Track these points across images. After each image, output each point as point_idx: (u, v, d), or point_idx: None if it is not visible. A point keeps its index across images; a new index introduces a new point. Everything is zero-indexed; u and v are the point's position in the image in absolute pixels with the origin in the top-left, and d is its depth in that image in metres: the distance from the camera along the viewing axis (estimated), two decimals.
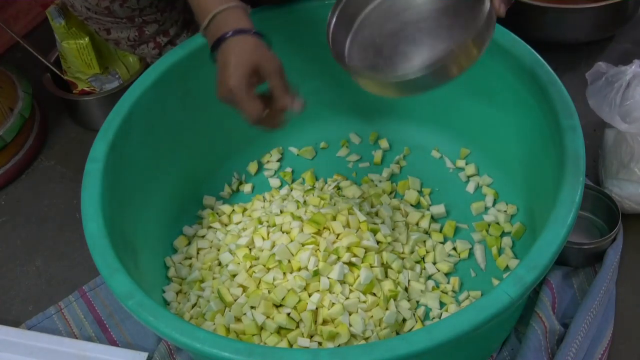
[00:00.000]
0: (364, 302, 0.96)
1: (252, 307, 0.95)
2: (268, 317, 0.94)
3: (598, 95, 1.08)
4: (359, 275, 0.97)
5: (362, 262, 0.99)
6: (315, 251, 0.99)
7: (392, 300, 0.98)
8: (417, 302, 1.01)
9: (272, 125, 0.90)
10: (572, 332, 0.96)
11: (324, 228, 1.02)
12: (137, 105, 1.01)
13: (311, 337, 0.93)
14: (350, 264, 0.98)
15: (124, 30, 1.10)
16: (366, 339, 0.94)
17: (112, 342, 1.07)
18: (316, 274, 0.96)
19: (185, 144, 1.12)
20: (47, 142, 1.41)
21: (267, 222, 1.06)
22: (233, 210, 1.15)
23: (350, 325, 0.93)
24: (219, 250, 1.09)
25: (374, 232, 1.03)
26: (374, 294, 0.98)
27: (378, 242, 1.02)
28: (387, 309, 0.97)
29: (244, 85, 0.85)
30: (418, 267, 1.05)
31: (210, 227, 1.13)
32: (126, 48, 1.14)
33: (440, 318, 1.00)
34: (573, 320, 0.98)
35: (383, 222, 1.06)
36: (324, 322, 0.95)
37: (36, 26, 1.61)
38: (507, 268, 1.05)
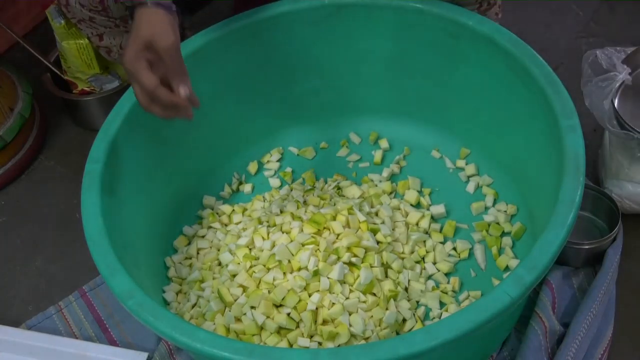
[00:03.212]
0: (364, 302, 0.96)
1: (252, 307, 0.95)
2: (268, 317, 0.94)
3: (593, 96, 1.08)
4: (359, 276, 0.97)
5: (362, 262, 0.99)
6: (315, 251, 0.99)
7: (392, 300, 0.98)
8: (417, 302, 1.01)
9: (170, 110, 0.88)
10: (572, 332, 0.96)
11: (324, 228, 1.02)
12: (137, 106, 1.01)
13: (311, 337, 0.93)
14: (350, 264, 0.98)
15: (117, 37, 1.09)
16: (366, 339, 0.94)
17: (112, 342, 1.07)
18: (316, 274, 0.96)
19: (186, 144, 1.12)
20: (47, 142, 1.41)
21: (267, 222, 1.06)
22: (233, 210, 1.15)
23: (350, 325, 0.93)
24: (219, 250, 1.09)
25: (374, 232, 1.03)
26: (374, 294, 0.98)
27: (378, 242, 1.02)
28: (387, 309, 0.97)
29: (134, 58, 0.84)
30: (418, 267, 1.05)
31: (210, 227, 1.13)
32: (117, 57, 1.14)
33: (440, 318, 1.00)
34: (573, 320, 0.98)
35: (383, 222, 1.06)
36: (324, 322, 0.95)
37: (36, 26, 1.61)
38: (507, 268, 1.04)
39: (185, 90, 0.86)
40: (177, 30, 0.87)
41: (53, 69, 1.38)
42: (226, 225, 1.14)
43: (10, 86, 1.35)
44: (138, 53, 0.85)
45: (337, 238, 1.01)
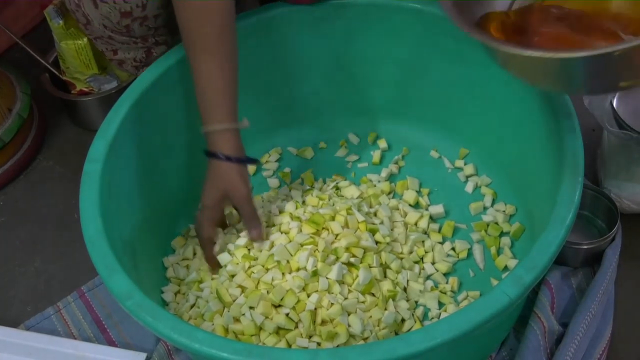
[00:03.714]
0: (363, 302, 0.96)
1: (250, 308, 0.95)
2: (267, 317, 0.94)
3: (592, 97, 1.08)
4: (357, 276, 0.97)
5: (361, 263, 0.99)
6: (314, 251, 0.99)
7: (391, 300, 0.98)
8: (416, 302, 1.01)
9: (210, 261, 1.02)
10: (571, 332, 0.96)
11: (323, 228, 1.01)
12: (135, 106, 1.01)
13: (310, 337, 0.93)
14: (349, 264, 0.98)
15: (132, 51, 1.10)
16: (365, 339, 0.94)
17: (111, 343, 1.07)
18: (315, 274, 0.96)
19: (184, 144, 1.12)
20: (45, 143, 1.40)
21: (266, 222, 1.06)
22: (230, 211, 1.15)
23: (349, 326, 0.93)
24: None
25: (373, 232, 1.02)
26: (373, 294, 0.97)
27: (377, 242, 1.02)
28: (385, 309, 0.97)
29: (214, 207, 0.99)
30: (417, 267, 1.05)
31: None
32: (130, 69, 1.14)
33: (439, 318, 1.00)
34: (572, 320, 0.98)
35: (382, 223, 1.06)
36: (323, 323, 0.94)
37: (35, 26, 1.61)
38: (506, 268, 1.04)
39: (254, 235, 1.00)
40: (248, 181, 0.99)
41: (51, 69, 1.38)
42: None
43: (9, 86, 1.35)
44: (215, 204, 0.99)
45: (335, 238, 1.01)
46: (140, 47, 1.10)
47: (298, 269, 0.97)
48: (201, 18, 0.93)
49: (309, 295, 0.96)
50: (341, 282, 0.97)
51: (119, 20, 1.03)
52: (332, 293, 0.96)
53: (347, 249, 0.99)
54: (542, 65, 0.77)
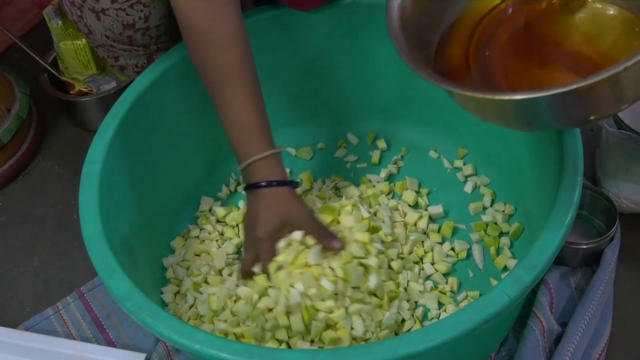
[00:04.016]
0: (368, 303, 0.95)
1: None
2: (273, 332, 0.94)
3: None
4: (367, 280, 0.95)
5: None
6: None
7: (393, 301, 0.97)
8: (416, 302, 1.01)
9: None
10: (570, 332, 0.96)
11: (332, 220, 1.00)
12: (134, 106, 1.01)
13: (312, 341, 0.93)
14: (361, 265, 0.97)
15: (134, 58, 1.10)
16: (366, 340, 0.94)
17: (110, 343, 1.07)
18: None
19: (183, 145, 1.12)
20: (44, 143, 1.40)
21: None
22: (227, 213, 1.15)
23: (352, 329, 0.93)
24: (209, 254, 1.09)
25: (376, 230, 1.02)
26: (376, 295, 0.97)
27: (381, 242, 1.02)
28: (388, 310, 0.97)
29: (272, 238, 0.92)
30: (417, 268, 1.05)
31: (202, 230, 1.13)
32: (131, 74, 1.14)
33: (438, 318, 1.00)
34: (571, 320, 0.98)
35: (383, 222, 1.06)
36: (327, 327, 0.94)
37: (33, 27, 1.61)
38: (505, 268, 1.05)
39: (337, 246, 0.93)
40: (303, 200, 0.95)
41: (50, 69, 1.38)
42: (222, 234, 1.13)
43: (8, 87, 1.35)
44: (275, 232, 0.92)
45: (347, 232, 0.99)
46: (142, 54, 1.10)
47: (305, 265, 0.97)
48: (220, 50, 0.92)
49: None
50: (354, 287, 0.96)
51: (121, 31, 1.03)
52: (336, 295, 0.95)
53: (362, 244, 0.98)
54: (493, 105, 0.74)
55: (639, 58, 0.62)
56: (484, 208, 1.12)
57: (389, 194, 1.16)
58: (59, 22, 1.28)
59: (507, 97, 0.69)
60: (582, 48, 0.81)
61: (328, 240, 0.93)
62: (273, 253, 0.93)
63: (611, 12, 0.81)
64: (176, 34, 1.09)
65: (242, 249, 1.09)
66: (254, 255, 0.94)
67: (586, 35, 0.82)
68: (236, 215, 1.13)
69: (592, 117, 0.73)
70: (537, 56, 0.83)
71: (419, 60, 0.80)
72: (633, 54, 0.62)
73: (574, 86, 0.64)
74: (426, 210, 1.12)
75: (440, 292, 1.03)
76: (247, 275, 0.96)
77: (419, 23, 0.84)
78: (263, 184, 0.91)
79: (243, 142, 0.93)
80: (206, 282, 1.06)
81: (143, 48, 1.08)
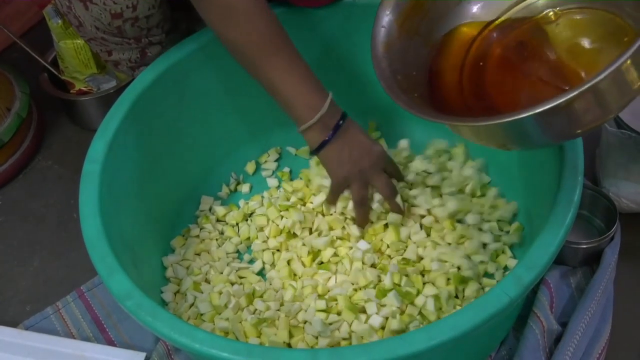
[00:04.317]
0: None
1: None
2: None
3: None
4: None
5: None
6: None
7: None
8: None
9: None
10: (570, 331, 0.96)
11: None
12: (135, 106, 1.01)
13: (312, 347, 0.93)
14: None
15: (126, 52, 1.10)
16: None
17: (110, 343, 1.07)
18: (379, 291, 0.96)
19: (183, 144, 1.12)
20: (44, 142, 1.40)
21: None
22: (227, 212, 1.15)
23: (362, 338, 0.93)
24: (209, 252, 1.09)
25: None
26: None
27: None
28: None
29: (357, 176, 0.99)
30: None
31: (202, 228, 1.13)
32: (125, 70, 1.14)
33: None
34: (571, 319, 0.98)
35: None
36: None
37: (33, 26, 1.61)
38: (505, 268, 1.04)
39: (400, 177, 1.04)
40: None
41: (50, 68, 1.38)
42: (222, 233, 1.13)
43: (8, 86, 1.35)
44: (361, 169, 0.98)
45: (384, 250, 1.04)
46: (134, 48, 1.09)
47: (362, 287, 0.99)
48: (249, 27, 0.93)
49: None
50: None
51: (110, 21, 1.02)
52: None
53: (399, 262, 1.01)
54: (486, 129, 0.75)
55: (606, 73, 0.63)
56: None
57: None
58: (59, 21, 1.28)
59: (480, 124, 0.72)
60: (572, 62, 0.82)
61: (398, 174, 1.04)
62: (366, 186, 0.99)
63: (600, 20, 0.82)
64: (168, 28, 1.09)
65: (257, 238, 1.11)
66: (367, 186, 1.00)
67: (576, 49, 0.82)
68: (236, 214, 1.13)
69: (578, 131, 0.74)
70: (529, 74, 0.84)
71: (399, 86, 0.83)
72: (597, 72, 0.63)
73: (536, 110, 0.65)
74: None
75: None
76: (366, 206, 1.02)
77: (405, 47, 0.87)
78: (340, 122, 0.97)
79: (304, 104, 0.96)
80: (206, 281, 1.06)
81: (134, 41, 1.07)
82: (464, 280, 0.98)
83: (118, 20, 1.03)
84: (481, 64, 0.87)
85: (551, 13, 0.84)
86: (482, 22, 0.89)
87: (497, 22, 0.88)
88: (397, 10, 0.88)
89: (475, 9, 0.89)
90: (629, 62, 0.63)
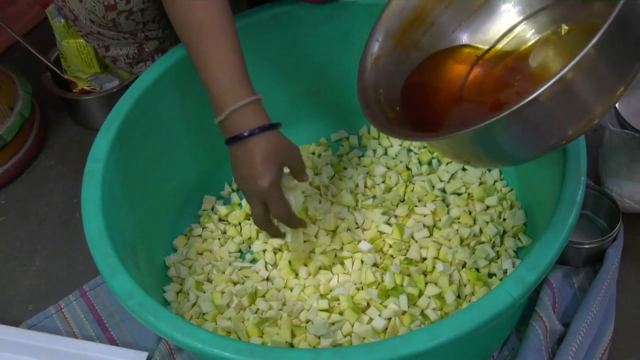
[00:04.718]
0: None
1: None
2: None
3: None
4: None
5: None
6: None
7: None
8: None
9: (288, 226, 0.97)
10: (573, 331, 0.96)
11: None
12: (137, 105, 1.01)
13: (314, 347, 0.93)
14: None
15: (124, 47, 1.10)
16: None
17: (112, 342, 1.07)
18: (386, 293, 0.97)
19: (186, 143, 1.12)
20: (47, 142, 1.40)
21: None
22: (232, 210, 1.15)
23: (364, 338, 0.93)
24: (211, 252, 1.09)
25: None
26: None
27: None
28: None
29: (278, 186, 0.90)
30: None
31: (204, 228, 1.13)
32: (123, 66, 1.14)
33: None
34: (573, 319, 0.98)
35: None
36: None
37: (36, 25, 1.61)
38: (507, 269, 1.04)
39: (305, 177, 0.96)
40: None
41: (53, 68, 1.38)
42: (224, 232, 1.13)
43: (10, 85, 1.35)
44: (278, 180, 0.90)
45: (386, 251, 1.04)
46: (131, 43, 1.09)
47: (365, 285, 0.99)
48: (196, 6, 0.90)
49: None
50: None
51: (104, 14, 1.02)
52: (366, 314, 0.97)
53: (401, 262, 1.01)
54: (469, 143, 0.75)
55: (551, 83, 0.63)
56: (488, 207, 1.12)
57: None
58: (62, 21, 1.28)
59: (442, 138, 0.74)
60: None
61: (302, 173, 0.95)
62: (284, 198, 0.92)
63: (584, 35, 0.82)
64: (165, 23, 1.09)
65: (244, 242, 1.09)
66: (263, 205, 0.92)
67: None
68: (238, 213, 1.13)
69: (553, 142, 0.72)
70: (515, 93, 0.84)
71: (376, 99, 0.85)
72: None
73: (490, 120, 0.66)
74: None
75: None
76: (264, 225, 0.95)
77: (401, 60, 0.89)
78: (256, 130, 0.88)
79: (227, 90, 0.90)
80: (209, 280, 1.06)
81: (130, 35, 1.07)
82: (479, 279, 0.98)
83: (112, 12, 1.02)
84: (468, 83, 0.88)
85: (561, 29, 0.84)
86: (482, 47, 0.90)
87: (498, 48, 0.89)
88: (395, 24, 0.89)
89: (478, 33, 0.90)
90: (572, 74, 0.64)
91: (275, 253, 1.07)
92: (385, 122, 0.82)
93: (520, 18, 0.88)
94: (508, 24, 0.88)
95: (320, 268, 1.03)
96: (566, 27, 0.82)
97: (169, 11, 0.94)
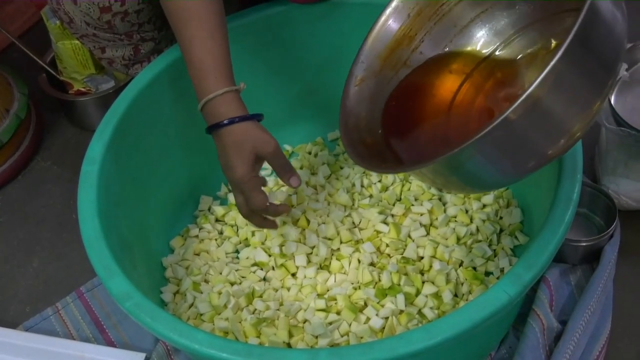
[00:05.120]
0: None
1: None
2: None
3: None
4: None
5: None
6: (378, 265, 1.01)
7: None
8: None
9: (270, 218, 0.96)
10: (570, 329, 0.96)
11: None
12: (133, 106, 1.01)
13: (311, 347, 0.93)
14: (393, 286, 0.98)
15: (120, 49, 1.09)
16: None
17: (110, 343, 1.07)
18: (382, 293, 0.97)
19: (182, 143, 1.12)
20: (43, 143, 1.40)
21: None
22: (229, 210, 1.15)
23: (361, 338, 0.93)
24: (208, 252, 1.09)
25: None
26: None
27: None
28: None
29: (251, 175, 0.89)
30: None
31: (201, 228, 1.13)
32: (120, 67, 1.13)
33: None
34: (571, 317, 0.98)
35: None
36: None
37: (31, 26, 1.61)
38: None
39: (296, 182, 0.93)
40: (269, 132, 0.91)
41: (49, 69, 1.38)
42: (221, 233, 1.13)
43: (6, 87, 1.35)
44: (250, 170, 0.89)
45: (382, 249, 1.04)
46: (127, 45, 1.09)
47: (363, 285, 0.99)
48: None
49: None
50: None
51: (99, 15, 1.02)
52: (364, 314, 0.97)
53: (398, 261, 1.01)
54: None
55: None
56: (484, 205, 1.12)
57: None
58: (57, 22, 1.28)
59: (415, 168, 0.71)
60: None
61: (288, 175, 0.93)
62: (258, 189, 0.91)
63: None
64: (161, 24, 1.09)
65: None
66: (243, 195, 0.92)
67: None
68: (235, 214, 1.13)
69: (533, 164, 0.69)
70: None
71: (357, 125, 0.85)
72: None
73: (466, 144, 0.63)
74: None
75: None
76: (245, 216, 0.94)
77: (387, 79, 0.89)
78: (225, 121, 0.88)
79: (206, 78, 0.89)
80: (206, 281, 1.05)
81: (126, 37, 1.07)
82: (476, 277, 0.98)
83: (107, 14, 1.02)
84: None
85: (550, 44, 0.83)
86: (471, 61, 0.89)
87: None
88: (381, 44, 0.89)
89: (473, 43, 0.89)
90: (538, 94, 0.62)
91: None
92: (362, 150, 0.81)
93: (512, 31, 0.87)
94: (503, 37, 0.88)
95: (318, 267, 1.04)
96: (555, 42, 0.81)
97: (162, 0, 0.93)
